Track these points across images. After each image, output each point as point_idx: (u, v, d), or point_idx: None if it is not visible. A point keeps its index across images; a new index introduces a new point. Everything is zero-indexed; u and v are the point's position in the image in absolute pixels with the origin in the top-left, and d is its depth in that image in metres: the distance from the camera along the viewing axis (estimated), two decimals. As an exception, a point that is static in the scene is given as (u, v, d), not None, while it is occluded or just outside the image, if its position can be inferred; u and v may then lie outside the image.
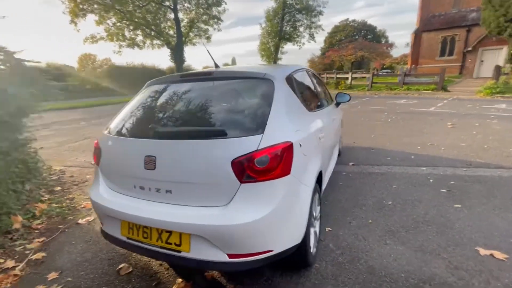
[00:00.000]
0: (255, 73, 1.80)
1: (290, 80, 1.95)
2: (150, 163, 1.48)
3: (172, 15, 22.78)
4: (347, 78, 20.82)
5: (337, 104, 3.64)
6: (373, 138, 5.51)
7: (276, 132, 1.47)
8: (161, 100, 1.87)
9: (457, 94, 13.60)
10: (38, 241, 2.39)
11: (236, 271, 1.85)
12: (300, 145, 1.57)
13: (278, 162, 1.39)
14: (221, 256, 1.38)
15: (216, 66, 2.19)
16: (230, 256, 1.38)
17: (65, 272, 1.97)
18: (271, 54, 34.86)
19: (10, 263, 2.07)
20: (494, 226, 2.30)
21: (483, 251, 2.00)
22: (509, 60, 14.97)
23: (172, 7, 22.14)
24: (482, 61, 20.62)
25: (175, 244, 1.44)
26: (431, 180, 3.31)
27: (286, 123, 1.58)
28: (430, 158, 4.12)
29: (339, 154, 4.29)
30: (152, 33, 22.70)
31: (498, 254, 1.95)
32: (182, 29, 23.35)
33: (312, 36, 34.17)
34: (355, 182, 3.36)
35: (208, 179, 1.40)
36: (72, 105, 14.08)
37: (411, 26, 27.11)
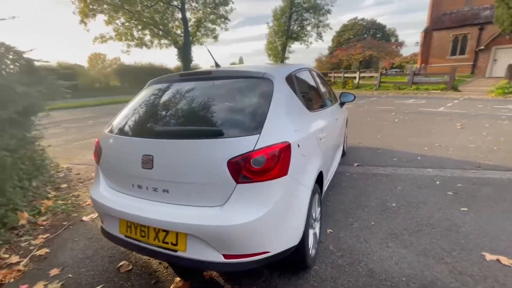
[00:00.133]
0: (254, 72, 1.78)
1: (290, 79, 1.93)
2: (148, 162, 1.49)
3: (179, 15, 22.91)
4: (354, 78, 20.59)
5: (342, 104, 3.59)
6: (379, 138, 5.43)
7: (274, 132, 1.45)
8: (160, 99, 1.87)
9: (468, 94, 13.27)
10: (43, 237, 2.43)
11: (233, 272, 1.84)
12: (299, 146, 1.55)
13: (275, 162, 1.37)
14: (217, 257, 1.37)
15: (217, 65, 2.19)
16: (225, 256, 1.37)
17: (67, 269, 2.01)
18: (278, 53, 34.76)
19: (14, 259, 2.11)
20: (501, 231, 2.23)
21: (489, 256, 1.94)
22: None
23: (179, 6, 22.28)
24: (495, 60, 20.06)
25: (172, 244, 1.44)
26: (438, 182, 3.23)
27: (285, 123, 1.56)
28: (437, 159, 4.03)
29: (343, 155, 4.24)
30: (160, 32, 22.90)
31: (505, 260, 1.89)
32: (190, 29, 23.48)
33: (319, 35, 33.91)
34: (358, 183, 3.31)
35: (204, 179, 1.39)
36: (82, 104, 14.34)
37: (422, 25, 26.61)
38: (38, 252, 2.20)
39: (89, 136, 6.76)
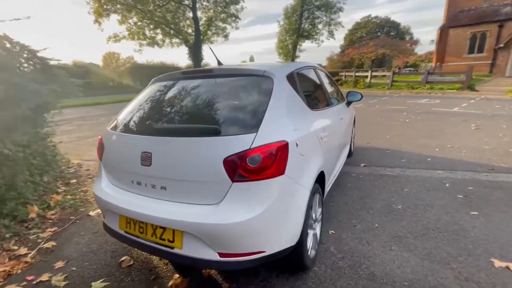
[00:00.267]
0: (255, 70, 1.77)
1: (292, 77, 1.90)
2: (147, 159, 1.50)
3: (190, 14, 23.16)
4: (366, 77, 20.20)
5: (348, 103, 3.53)
6: (388, 138, 5.30)
7: (272, 130, 1.43)
8: (161, 97, 1.89)
9: (486, 93, 12.78)
10: (50, 231, 2.51)
11: (228, 271, 1.84)
12: (297, 145, 1.52)
13: (272, 161, 1.36)
14: (212, 255, 1.37)
15: (219, 63, 2.19)
16: (221, 255, 1.37)
17: (71, 262, 2.06)
18: (289, 52, 34.56)
19: (23, 250, 2.19)
20: (513, 237, 2.14)
21: (498, 263, 1.86)
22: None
23: (191, 5, 22.50)
24: (516, 58, 19.23)
25: (169, 241, 1.45)
26: (447, 185, 3.13)
27: (283, 122, 1.55)
28: (448, 161, 3.90)
29: (350, 155, 4.17)
30: (171, 31, 23.22)
31: (515, 267, 1.81)
32: (200, 28, 23.69)
33: (331, 33, 33.51)
34: (364, 184, 3.25)
35: (200, 177, 1.39)
36: (95, 102, 14.74)
37: (438, 22, 25.79)
38: (45, 245, 2.27)
39: (100, 133, 6.89)
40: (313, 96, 2.38)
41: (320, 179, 1.98)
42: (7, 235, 2.33)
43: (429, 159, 4.00)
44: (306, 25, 33.21)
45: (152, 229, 1.50)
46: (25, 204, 2.77)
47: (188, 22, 24.08)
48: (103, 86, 22.10)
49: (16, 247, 2.23)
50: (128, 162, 1.61)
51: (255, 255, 1.39)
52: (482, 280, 1.72)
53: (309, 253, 1.77)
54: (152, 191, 1.53)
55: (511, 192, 2.89)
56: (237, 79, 1.79)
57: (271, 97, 1.57)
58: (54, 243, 2.30)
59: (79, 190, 3.47)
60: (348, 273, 1.82)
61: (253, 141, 1.35)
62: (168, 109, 1.78)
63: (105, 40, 23.48)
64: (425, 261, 1.91)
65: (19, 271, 1.96)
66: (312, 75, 2.50)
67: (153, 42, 23.52)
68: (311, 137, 1.78)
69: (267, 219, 1.36)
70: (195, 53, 23.61)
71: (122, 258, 2.05)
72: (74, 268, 1.98)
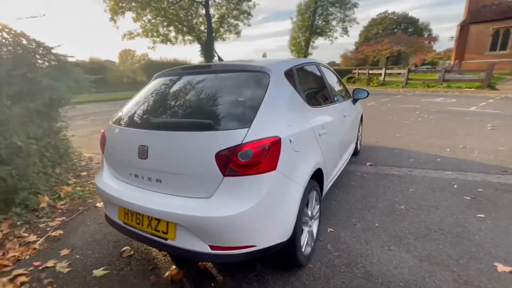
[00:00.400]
0: (252, 66, 1.77)
1: (290, 74, 1.89)
2: (143, 152, 1.54)
3: (203, 11, 23.30)
4: (380, 74, 19.71)
5: (354, 101, 3.47)
6: (398, 138, 5.18)
7: (265, 126, 1.44)
8: (160, 92, 1.93)
9: (507, 93, 12.19)
10: (59, 220, 2.62)
11: (220, 263, 1.88)
12: (290, 141, 1.52)
13: (263, 157, 1.36)
14: (203, 247, 1.40)
15: (220, 59, 2.20)
16: (212, 247, 1.39)
17: (76, 250, 2.15)
18: (301, 49, 34.21)
19: (32, 238, 2.30)
20: (520, 241, 2.05)
21: (501, 268, 1.79)
22: None
23: (203, 3, 22.63)
24: (542, 56, 18.20)
25: (163, 232, 1.49)
26: (455, 186, 3.03)
27: (277, 118, 1.55)
28: (459, 162, 3.76)
29: (356, 153, 4.11)
30: (184, 29, 23.46)
31: (520, 273, 1.74)
32: (213, 25, 23.80)
33: (345, 30, 32.89)
34: (368, 183, 3.20)
35: (193, 171, 1.42)
36: (110, 97, 15.16)
37: (459, 18, 24.68)
38: (53, 233, 2.38)
39: (112, 128, 7.11)
40: (314, 92, 2.36)
41: (318, 176, 1.97)
42: (19, 223, 2.45)
43: (438, 160, 3.88)
44: (320, 22, 32.73)
45: (148, 221, 1.54)
46: (37, 194, 2.90)
47: (200, 19, 24.26)
48: (118, 83, 22.69)
49: (26, 234, 2.35)
50: (126, 155, 1.66)
51: (245, 249, 1.41)
52: (482, 284, 1.67)
53: (303, 250, 1.77)
54: (148, 184, 1.58)
55: (523, 195, 2.77)
56: (235, 75, 1.80)
57: (266, 93, 1.57)
58: (61, 232, 2.41)
59: (89, 182, 3.60)
60: (343, 271, 1.81)
61: (245, 136, 1.36)
62: (166, 104, 1.82)
63: (120, 37, 23.96)
64: (424, 262, 1.87)
65: (27, 256, 2.07)
66: (314, 71, 2.48)
67: (166, 39, 23.86)
68: (307, 133, 1.77)
69: (257, 213, 1.37)
70: (207, 50, 23.77)
71: (123, 248, 2.13)
72: (78, 256, 2.07)
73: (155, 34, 23.11)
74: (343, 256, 1.96)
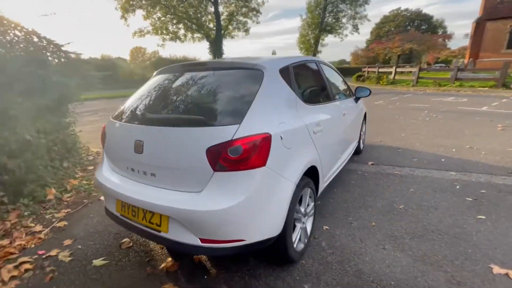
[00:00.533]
0: (247, 63, 1.80)
1: (286, 71, 1.91)
2: (139, 147, 1.59)
3: (212, 9, 23.35)
4: (390, 73, 19.34)
5: (357, 99, 3.44)
6: (403, 137, 5.10)
7: (255, 123, 1.46)
8: (158, 88, 1.98)
9: (522, 92, 11.76)
10: (64, 212, 2.73)
11: (211, 256, 1.93)
12: (281, 138, 1.54)
13: (252, 153, 1.39)
14: (194, 240, 1.44)
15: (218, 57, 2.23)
16: (202, 240, 1.44)
17: (78, 240, 2.24)
18: (311, 46, 33.89)
19: (38, 228, 2.41)
20: (520, 244, 2.01)
21: (497, 270, 1.77)
22: None
23: (212, 0, 22.68)
24: (562, 54, 17.46)
25: (156, 224, 1.54)
26: (458, 187, 2.98)
27: (269, 115, 1.57)
28: (464, 162, 3.69)
29: (359, 152, 4.08)
30: (193, 26, 23.59)
31: (516, 275, 1.71)
32: (222, 22, 23.84)
33: (355, 28, 32.37)
34: (368, 182, 3.18)
35: (185, 166, 1.46)
36: (121, 94, 15.42)
37: (475, 15, 23.86)
38: (58, 224, 2.48)
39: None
40: (311, 90, 2.36)
41: (313, 173, 1.99)
42: (26, 213, 2.57)
43: (443, 160, 3.81)
44: (329, 19, 32.32)
45: (143, 213, 1.60)
46: (45, 186, 3.02)
47: (209, 16, 24.33)
48: (129, 79, 23.04)
49: (33, 225, 2.45)
50: (124, 149, 1.72)
51: (235, 243, 1.44)
52: (475, 286, 1.65)
53: (295, 246, 1.79)
54: (143, 177, 1.63)
55: (528, 197, 2.70)
56: (230, 72, 1.83)
57: (259, 90, 1.60)
58: (66, 223, 2.51)
59: (95, 176, 3.70)
60: (335, 268, 1.83)
61: (235, 133, 1.39)
62: (162, 100, 1.87)
63: (131, 35, 24.30)
64: (417, 262, 1.86)
65: (33, 245, 2.17)
66: (312, 69, 2.48)
67: (175, 37, 24.07)
68: (300, 131, 1.78)
69: (246, 208, 1.40)
70: (216, 48, 23.85)
71: (123, 240, 2.20)
72: (80, 246, 2.16)
73: (164, 32, 23.34)
74: (336, 253, 1.97)
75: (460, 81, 14.38)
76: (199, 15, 23.63)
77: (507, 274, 1.73)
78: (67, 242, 2.21)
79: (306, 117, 1.90)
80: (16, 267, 1.90)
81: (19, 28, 3.57)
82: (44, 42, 3.88)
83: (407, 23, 49.72)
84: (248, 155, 1.38)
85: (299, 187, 1.69)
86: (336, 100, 2.68)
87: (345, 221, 2.39)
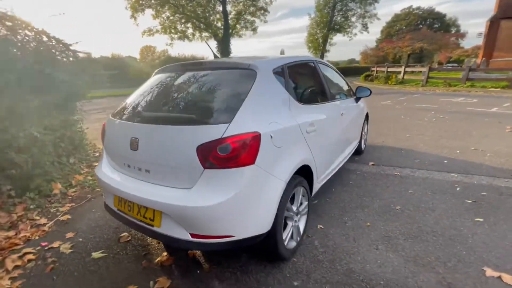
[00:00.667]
0: (240, 63, 1.84)
1: (280, 71, 1.94)
2: (135, 144, 1.65)
3: (220, 8, 23.46)
4: (399, 72, 19.02)
5: (357, 99, 3.43)
6: (407, 138, 5.04)
7: (245, 122, 1.50)
8: (155, 87, 2.04)
9: (537, 93, 11.40)
10: (68, 206, 2.83)
11: (200, 250, 1.98)
12: (271, 137, 1.57)
13: (242, 151, 1.43)
14: (185, 235, 1.49)
15: (215, 57, 2.27)
16: (192, 235, 1.48)
17: (80, 234, 2.33)
18: (319, 45, 33.64)
19: (43, 221, 2.51)
20: (516, 248, 1.99)
21: (490, 272, 1.76)
22: None
23: (221, -1, 22.79)
24: None
25: (150, 219, 1.60)
26: (458, 189, 2.94)
27: (260, 114, 1.60)
28: (467, 164, 3.63)
29: (360, 152, 4.07)
30: (202, 25, 23.75)
31: (508, 278, 1.70)
32: (230, 21, 23.93)
33: (365, 26, 31.96)
34: (367, 182, 3.17)
35: (177, 163, 1.51)
36: (129, 92, 15.68)
37: (489, 13, 23.20)
38: (62, 218, 2.58)
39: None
40: (306, 90, 2.38)
41: (306, 172, 2.01)
42: (32, 207, 2.68)
43: (445, 161, 3.76)
44: (338, 18, 32.00)
45: (137, 208, 1.66)
46: (51, 181, 3.13)
47: (217, 16, 24.46)
48: (138, 78, 23.37)
49: (38, 217, 2.56)
50: (121, 146, 1.78)
51: (224, 239, 1.48)
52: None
53: (286, 244, 1.82)
54: (138, 174, 1.69)
55: (530, 201, 2.65)
56: (224, 72, 1.87)
57: (251, 90, 1.63)
58: (69, 217, 2.61)
59: (95, 172, 3.81)
60: (325, 267, 1.85)
61: (225, 131, 1.43)
62: (158, 99, 1.92)
63: (140, 34, 24.65)
64: (409, 263, 1.87)
65: (37, 237, 2.27)
66: (309, 69, 2.49)
67: (183, 36, 24.29)
68: (292, 130, 1.81)
69: (234, 205, 1.43)
70: (224, 47, 23.95)
71: (122, 234, 2.28)
72: (80, 239, 2.24)
73: (173, 31, 23.60)
74: (328, 252, 1.99)
75: (471, 82, 14.03)
76: (207, 14, 23.77)
77: (500, 277, 1.72)
78: (69, 235, 2.30)
79: (300, 116, 1.92)
80: (20, 257, 1.99)
81: (29, 27, 3.70)
82: (53, 41, 4.00)
83: (419, 22, 48.72)
84: (237, 153, 1.42)
85: (290, 185, 1.72)
86: (334, 100, 2.69)
87: (340, 221, 2.40)
